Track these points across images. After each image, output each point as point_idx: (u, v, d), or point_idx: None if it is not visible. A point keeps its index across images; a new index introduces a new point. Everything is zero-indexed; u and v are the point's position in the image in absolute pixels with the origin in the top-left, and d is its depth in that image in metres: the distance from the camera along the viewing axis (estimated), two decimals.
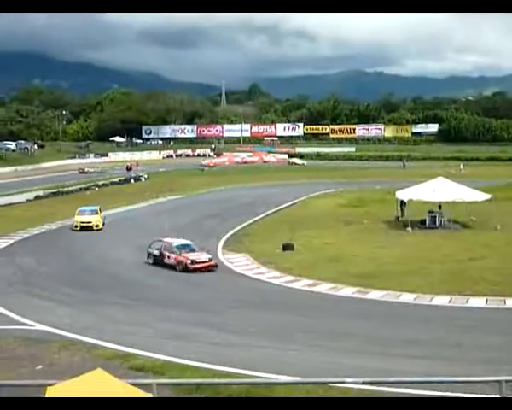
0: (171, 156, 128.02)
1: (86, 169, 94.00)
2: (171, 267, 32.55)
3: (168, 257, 33.12)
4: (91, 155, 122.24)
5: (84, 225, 44.57)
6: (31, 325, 21.60)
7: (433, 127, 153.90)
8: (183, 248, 33.34)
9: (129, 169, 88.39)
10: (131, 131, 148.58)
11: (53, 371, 16.79)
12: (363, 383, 9.34)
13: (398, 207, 44.88)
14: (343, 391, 12.19)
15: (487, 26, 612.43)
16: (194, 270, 31.76)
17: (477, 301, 24.27)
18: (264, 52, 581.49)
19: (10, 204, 58.85)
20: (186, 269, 31.87)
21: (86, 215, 45.68)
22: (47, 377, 14.54)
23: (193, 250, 33.50)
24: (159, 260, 33.55)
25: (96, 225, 44.81)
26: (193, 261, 32.06)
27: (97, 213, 46.08)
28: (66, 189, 69.23)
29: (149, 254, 34.30)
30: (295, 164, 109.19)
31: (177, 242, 34.15)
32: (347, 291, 26.80)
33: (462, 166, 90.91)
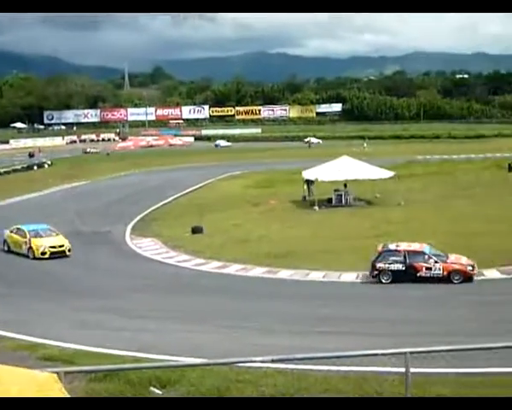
0: (75, 142, 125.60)
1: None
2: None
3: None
4: None
5: (56, 250, 31.90)
6: None
7: (337, 107, 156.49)
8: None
9: (31, 156, 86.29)
10: (33, 117, 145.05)
11: None
12: (272, 361, 9.40)
13: (305, 187, 45.38)
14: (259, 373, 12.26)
15: None
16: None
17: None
18: (166, 34, 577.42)
19: None
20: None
21: (48, 237, 32.61)
22: None
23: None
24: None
25: (69, 250, 32.14)
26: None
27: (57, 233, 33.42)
28: None
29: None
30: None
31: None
32: (257, 272, 26.96)
33: (365, 145, 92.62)
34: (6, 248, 32.91)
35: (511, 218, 34.12)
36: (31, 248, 31.33)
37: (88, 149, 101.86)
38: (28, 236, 31.73)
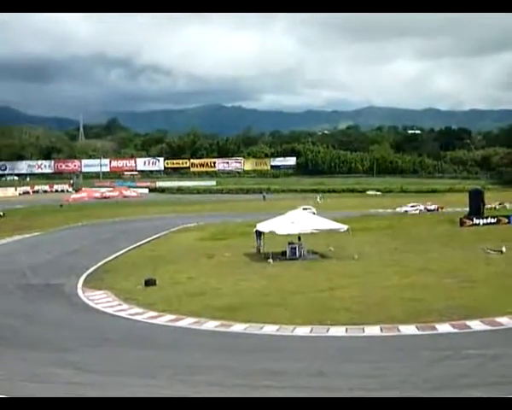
0: (28, 192, 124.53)
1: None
2: None
3: None
4: None
5: None
6: None
7: (291, 160, 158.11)
8: None
9: None
10: None
11: None
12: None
13: (256, 238, 45.62)
14: None
15: (336, 61, 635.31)
16: None
17: (337, 330, 24.77)
18: (121, 86, 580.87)
19: None
20: None
21: None
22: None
23: None
24: None
25: None
26: None
27: None
28: None
29: None
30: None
31: None
32: (210, 325, 26.73)
33: (319, 198, 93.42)
34: None
35: (461, 270, 34.82)
36: None
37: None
38: None
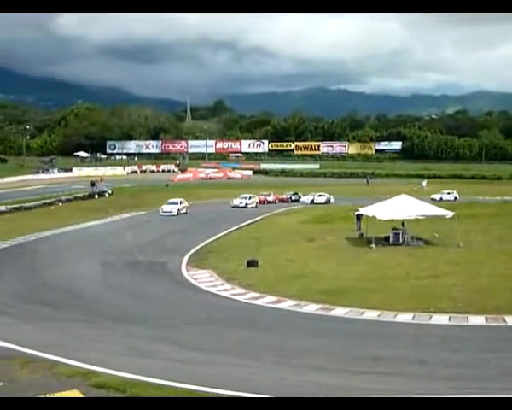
0: (136, 172, 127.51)
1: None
2: None
3: None
4: (55, 170, 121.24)
5: None
6: None
7: (397, 145, 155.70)
8: None
9: (93, 184, 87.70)
10: (96, 147, 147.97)
11: (14, 388, 16.51)
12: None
13: (356, 223, 45.62)
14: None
15: (446, 44, 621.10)
16: None
17: (440, 319, 24.39)
18: (227, 68, 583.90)
19: None
20: None
21: None
22: (8, 394, 14.34)
23: None
24: None
25: None
26: None
27: None
28: (29, 204, 68.41)
29: None
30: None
31: None
32: (311, 308, 26.78)
33: (424, 184, 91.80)
34: None
35: None
36: None
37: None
38: None
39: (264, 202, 73.65)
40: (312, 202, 75.86)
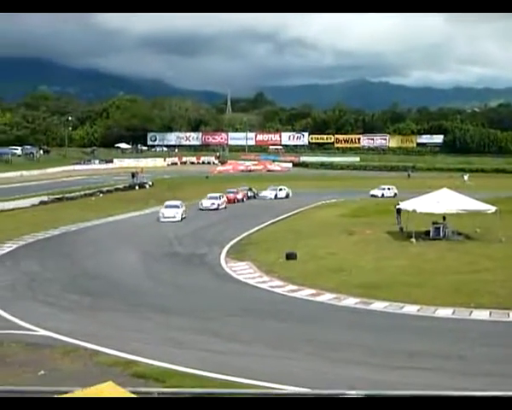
0: (176, 163, 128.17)
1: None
2: None
3: None
4: (96, 162, 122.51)
5: None
6: (34, 331, 21.59)
7: (438, 138, 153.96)
8: None
9: (134, 176, 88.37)
10: (137, 138, 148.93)
11: (55, 376, 16.78)
12: (366, 395, 9.23)
13: (396, 217, 45.37)
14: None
15: (488, 37, 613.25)
16: None
17: (480, 314, 24.18)
18: (267, 60, 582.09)
19: (15, 209, 58.90)
20: None
21: None
22: (49, 383, 14.57)
23: None
24: None
25: None
26: None
27: None
28: (70, 194, 69.27)
29: None
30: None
31: None
32: (350, 301, 26.73)
33: (466, 178, 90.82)
34: None
35: None
36: None
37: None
38: None
39: (234, 201, 66.26)
40: (276, 196, 71.55)
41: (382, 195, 72.84)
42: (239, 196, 68.38)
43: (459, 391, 9.88)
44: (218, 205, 61.03)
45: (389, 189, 75.05)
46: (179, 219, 52.51)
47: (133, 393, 8.44)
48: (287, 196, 72.83)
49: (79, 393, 8.01)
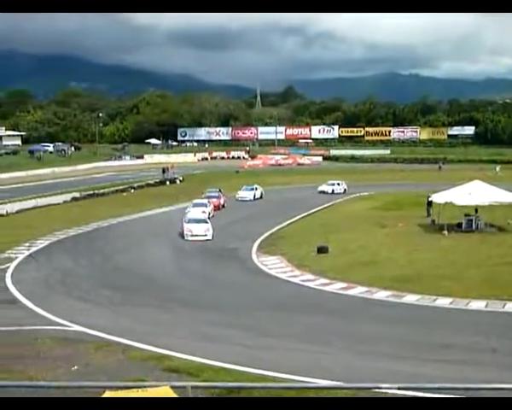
0: (206, 159, 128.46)
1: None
2: None
3: None
4: (127, 158, 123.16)
5: None
6: (67, 326, 21.80)
7: (470, 130, 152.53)
8: None
9: (164, 171, 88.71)
10: (167, 134, 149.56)
11: (89, 371, 16.93)
12: (399, 388, 9.18)
13: (427, 209, 45.21)
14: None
15: None
16: None
17: None
18: (296, 54, 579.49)
19: (48, 205, 59.44)
20: None
21: None
22: (83, 377, 14.72)
23: None
24: None
25: None
26: None
27: None
28: (102, 190, 69.79)
29: None
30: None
31: None
32: (382, 295, 26.64)
33: (498, 169, 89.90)
34: None
35: None
36: None
37: None
38: None
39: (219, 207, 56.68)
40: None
41: (332, 191, 69.16)
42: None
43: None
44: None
45: (339, 184, 71.37)
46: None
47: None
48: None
49: (129, 392, 8.04)
